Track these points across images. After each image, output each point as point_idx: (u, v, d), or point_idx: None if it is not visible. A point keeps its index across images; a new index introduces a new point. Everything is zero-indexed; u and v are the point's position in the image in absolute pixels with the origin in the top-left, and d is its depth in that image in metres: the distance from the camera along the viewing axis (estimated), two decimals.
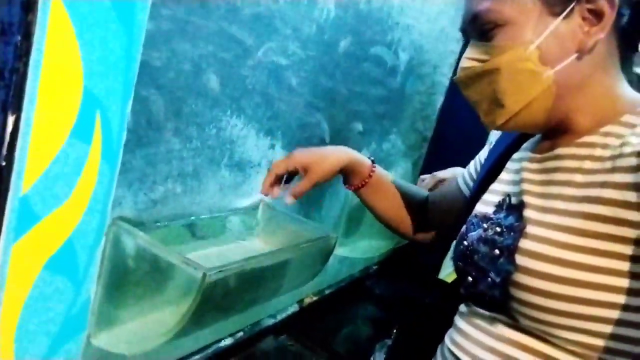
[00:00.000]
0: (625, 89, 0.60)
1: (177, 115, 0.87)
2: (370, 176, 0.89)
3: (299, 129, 1.19)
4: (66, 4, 0.42)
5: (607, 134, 0.57)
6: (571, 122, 0.60)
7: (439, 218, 0.91)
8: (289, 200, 0.84)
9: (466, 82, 0.62)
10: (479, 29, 0.60)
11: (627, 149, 0.52)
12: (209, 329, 1.06)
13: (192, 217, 0.96)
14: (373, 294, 1.74)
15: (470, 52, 0.61)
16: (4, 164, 0.42)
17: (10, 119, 0.41)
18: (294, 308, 1.41)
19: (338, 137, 1.37)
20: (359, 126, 1.46)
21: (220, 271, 0.75)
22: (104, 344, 0.82)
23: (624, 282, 0.51)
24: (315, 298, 1.50)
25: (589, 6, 0.56)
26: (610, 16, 0.55)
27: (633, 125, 0.55)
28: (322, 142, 1.31)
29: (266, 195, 0.86)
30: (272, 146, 1.11)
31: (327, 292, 1.56)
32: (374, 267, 1.81)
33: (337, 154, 0.87)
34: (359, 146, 1.48)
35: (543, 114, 0.60)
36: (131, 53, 0.51)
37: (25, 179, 0.44)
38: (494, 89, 0.59)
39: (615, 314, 0.52)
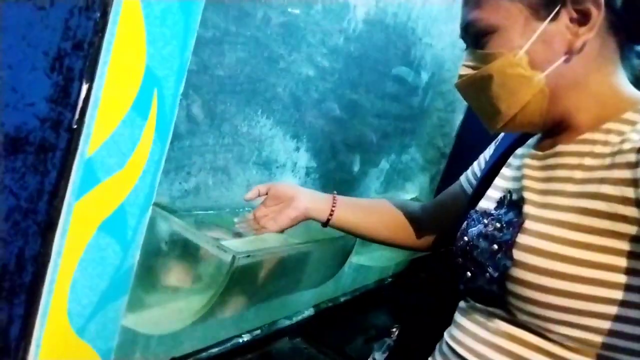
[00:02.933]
0: (626, 86, 0.61)
1: (212, 113, 0.92)
2: (332, 209, 0.89)
3: (323, 135, 1.24)
4: None
5: (608, 131, 0.57)
6: (571, 121, 0.60)
7: (438, 221, 0.91)
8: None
9: (464, 89, 0.65)
10: (472, 37, 0.62)
11: (627, 146, 0.53)
12: (230, 321, 1.10)
13: (220, 210, 1.01)
14: (388, 304, 1.76)
15: (466, 59, 0.63)
16: (75, 127, 0.47)
17: (84, 87, 0.47)
18: (310, 312, 1.44)
19: (359, 146, 1.42)
20: (379, 138, 1.51)
21: (248, 256, 0.80)
22: (134, 325, 0.87)
23: (621, 278, 0.52)
24: (330, 305, 1.53)
25: (575, 7, 0.56)
26: (597, 15, 0.56)
27: (634, 123, 0.55)
28: (343, 151, 1.36)
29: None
30: (297, 149, 1.16)
31: (342, 299, 1.58)
32: (389, 279, 1.84)
33: (297, 207, 0.87)
34: (379, 157, 1.52)
35: (539, 116, 0.61)
36: (187, 40, 0.57)
37: (91, 143, 0.49)
38: (489, 95, 0.61)
39: (612, 309, 0.52)
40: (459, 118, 1.81)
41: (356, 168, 1.46)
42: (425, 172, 1.79)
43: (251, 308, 0.99)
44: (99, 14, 0.45)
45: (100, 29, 0.46)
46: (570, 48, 0.58)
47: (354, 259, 1.56)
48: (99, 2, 0.45)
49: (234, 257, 0.77)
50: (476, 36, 0.61)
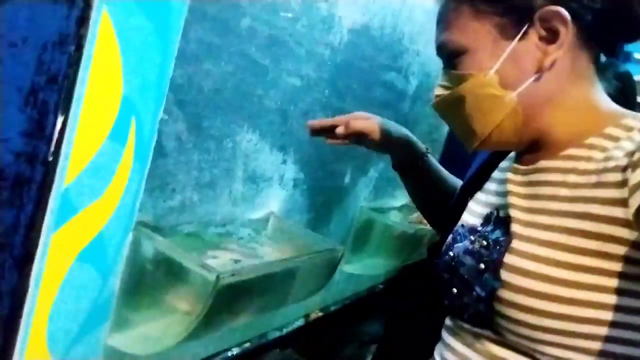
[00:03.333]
0: (604, 100, 0.61)
1: (197, 128, 0.92)
2: (422, 159, 0.89)
3: (311, 147, 1.25)
4: (114, 20, 0.48)
5: (591, 147, 0.56)
6: (548, 137, 0.60)
7: None
8: (339, 130, 0.85)
9: (439, 109, 0.65)
10: (444, 57, 0.62)
11: (611, 164, 0.52)
12: (218, 336, 1.10)
13: (206, 226, 1.00)
14: (379, 313, 1.76)
15: (441, 79, 0.64)
16: (51, 159, 0.47)
17: (59, 119, 0.47)
18: (300, 322, 1.44)
19: (347, 156, 1.42)
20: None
21: (232, 274, 0.79)
22: (118, 344, 0.86)
23: (612, 299, 0.51)
24: (320, 314, 1.52)
25: (543, 26, 0.57)
26: (565, 33, 0.56)
27: (616, 139, 0.55)
28: (331, 161, 1.36)
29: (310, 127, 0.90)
30: (284, 161, 1.16)
31: (332, 308, 1.58)
32: (380, 287, 1.84)
33: (398, 126, 0.89)
34: (368, 165, 1.52)
35: (514, 134, 0.61)
36: (165, 66, 0.57)
37: (67, 174, 0.49)
38: (463, 115, 0.61)
39: (602, 330, 0.52)
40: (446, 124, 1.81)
41: (345, 177, 1.46)
42: None
43: (238, 324, 0.99)
44: (73, 48, 0.45)
45: (74, 62, 0.46)
46: (540, 66, 0.58)
47: (345, 268, 1.56)
48: (73, 36, 0.45)
49: (218, 277, 0.77)
50: (448, 57, 0.61)
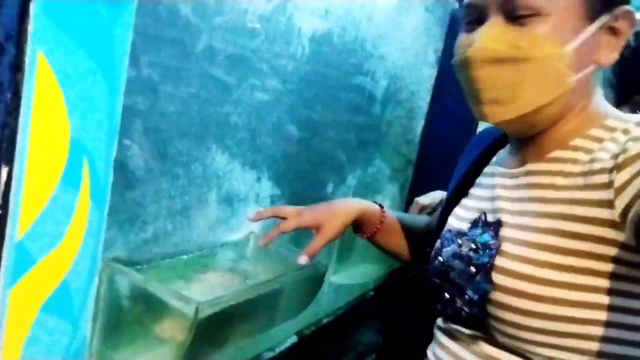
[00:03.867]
0: (601, 101, 0.61)
1: (163, 156, 0.90)
2: (381, 222, 0.87)
3: (284, 161, 1.23)
4: (51, 62, 0.46)
5: (575, 148, 0.57)
6: (553, 131, 0.59)
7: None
8: (303, 260, 0.82)
9: (479, 63, 0.56)
10: (511, 11, 0.55)
11: (597, 166, 0.53)
12: None
13: (184, 254, 0.98)
14: (372, 320, 1.75)
15: (494, 32, 0.55)
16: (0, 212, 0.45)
17: (4, 171, 0.45)
18: (293, 340, 1.42)
19: (323, 165, 1.41)
20: (342, 154, 1.50)
21: (212, 304, 0.77)
22: None
23: (602, 299, 0.52)
24: (313, 329, 1.50)
25: (613, 22, 0.56)
26: (627, 35, 0.56)
27: (600, 139, 0.55)
28: (308, 171, 1.34)
29: (264, 245, 0.85)
30: (259, 179, 1.15)
31: (325, 321, 1.56)
32: (371, 293, 1.82)
33: (347, 208, 0.85)
34: (344, 172, 1.51)
35: (547, 118, 0.58)
36: (113, 102, 0.55)
37: (20, 225, 0.47)
38: (517, 80, 0.55)
39: (594, 330, 0.52)
40: (420, 124, 1.81)
41: (323, 188, 1.44)
42: (394, 182, 1.79)
43: (226, 352, 0.96)
44: (9, 95, 0.43)
45: (13, 109, 0.44)
46: (600, 60, 0.57)
47: (333, 279, 1.54)
48: (8, 82, 0.43)
49: (196, 308, 0.75)
50: (518, 13, 0.54)
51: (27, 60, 0.44)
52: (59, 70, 0.47)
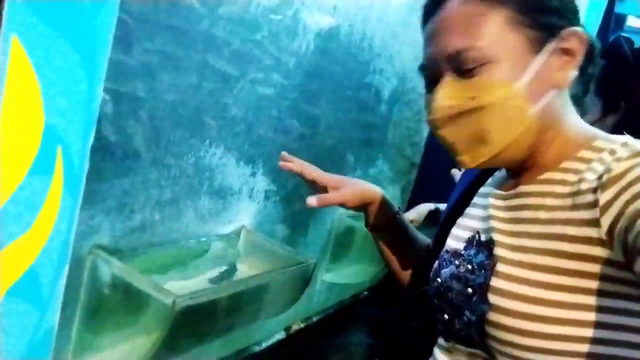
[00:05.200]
0: (580, 122, 0.62)
1: (155, 145, 0.90)
2: (395, 218, 0.85)
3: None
4: (24, 44, 0.45)
5: (565, 170, 0.58)
6: (537, 158, 0.61)
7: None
8: (312, 202, 0.80)
9: (441, 122, 0.60)
10: (459, 67, 0.58)
11: (584, 186, 0.54)
12: (188, 355, 1.07)
13: (172, 244, 0.98)
14: (363, 320, 1.74)
15: (448, 91, 0.59)
16: None
17: None
18: (280, 335, 1.41)
19: (323, 163, 1.39)
20: (344, 152, 1.49)
21: (190, 298, 0.77)
22: None
23: (595, 317, 0.52)
24: (302, 325, 1.50)
25: (563, 45, 0.58)
26: (581, 53, 0.58)
27: (589, 161, 0.56)
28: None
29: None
30: (254, 174, 1.14)
31: (314, 318, 1.56)
32: (365, 293, 1.81)
33: (370, 185, 0.85)
34: (345, 171, 1.50)
35: (522, 151, 0.60)
36: (92, 90, 0.54)
37: None
38: (479, 127, 0.58)
39: (588, 348, 0.53)
40: (426, 127, 1.79)
41: None
42: (395, 184, 1.77)
43: (206, 345, 0.96)
44: None
45: None
46: (558, 84, 0.58)
47: (326, 277, 1.53)
48: None
49: (174, 301, 0.74)
50: (465, 66, 0.58)
51: (1, 44, 0.43)
52: (34, 56, 0.46)
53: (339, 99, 1.38)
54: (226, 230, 1.11)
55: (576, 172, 0.56)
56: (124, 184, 0.86)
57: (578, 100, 0.64)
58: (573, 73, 0.58)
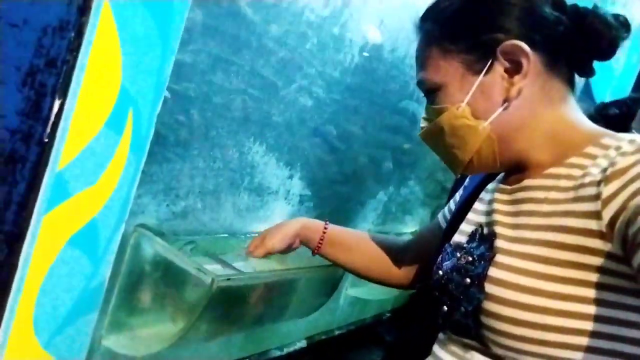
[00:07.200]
0: (583, 120, 0.64)
1: (204, 137, 0.94)
2: (322, 235, 0.94)
3: (317, 165, 1.26)
4: (114, 11, 0.50)
5: (571, 165, 0.59)
6: (528, 159, 0.63)
7: (418, 256, 0.92)
8: (245, 253, 0.93)
9: (425, 139, 0.71)
10: (424, 93, 0.68)
11: (588, 179, 0.55)
12: (216, 348, 1.09)
13: (210, 235, 1.01)
14: (383, 341, 1.73)
15: (424, 113, 0.70)
16: (46, 140, 0.49)
17: (57, 102, 0.49)
18: (302, 344, 1.42)
19: (356, 176, 1.42)
20: (377, 169, 1.51)
21: (228, 279, 0.80)
22: (114, 345, 0.87)
23: (591, 309, 0.53)
24: (324, 337, 1.50)
25: (507, 58, 0.61)
26: (527, 64, 0.60)
27: (594, 157, 0.57)
28: (339, 180, 1.36)
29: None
30: (291, 176, 1.18)
31: (336, 332, 1.56)
32: (387, 315, 1.81)
33: (289, 222, 0.96)
34: (377, 188, 1.52)
35: (493, 159, 0.65)
36: (164, 62, 0.59)
37: (62, 157, 0.51)
38: (444, 145, 0.67)
39: (583, 340, 0.53)
40: None
41: (353, 198, 1.46)
42: (426, 207, 1.79)
43: (234, 334, 0.98)
44: (73, 34, 0.48)
45: (74, 48, 0.48)
46: (507, 96, 0.62)
47: (350, 291, 1.54)
48: (74, 23, 0.48)
49: (213, 280, 0.77)
50: (427, 93, 0.68)
51: (94, 5, 0.48)
52: (120, 21, 0.51)
53: (375, 118, 1.42)
54: (261, 228, 1.14)
55: (581, 167, 0.58)
56: (173, 169, 0.90)
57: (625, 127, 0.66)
58: (523, 83, 0.61)
